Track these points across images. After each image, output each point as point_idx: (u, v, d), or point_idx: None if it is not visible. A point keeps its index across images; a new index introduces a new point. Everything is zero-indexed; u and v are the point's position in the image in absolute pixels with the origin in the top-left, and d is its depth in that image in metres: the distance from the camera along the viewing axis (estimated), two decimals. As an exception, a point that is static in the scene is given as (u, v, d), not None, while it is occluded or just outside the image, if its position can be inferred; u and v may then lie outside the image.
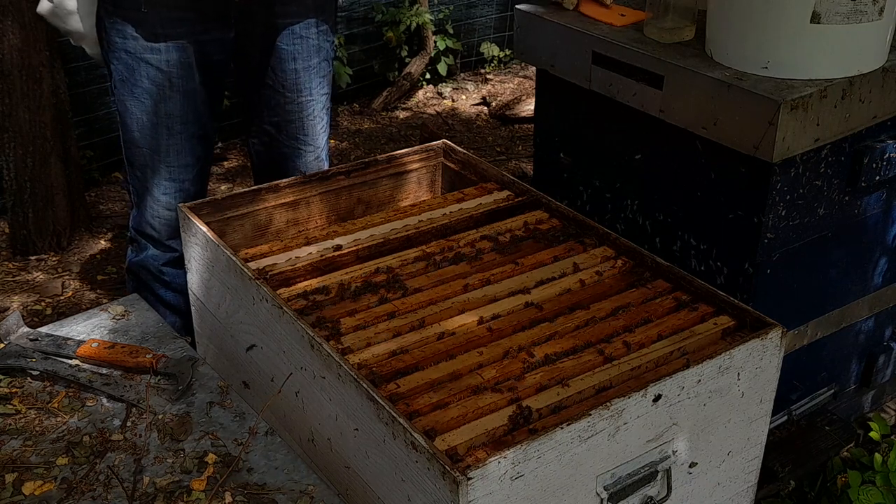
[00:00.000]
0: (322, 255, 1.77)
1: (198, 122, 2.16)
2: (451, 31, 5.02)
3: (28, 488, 1.35)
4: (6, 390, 1.54)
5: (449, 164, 2.17)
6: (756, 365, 1.49)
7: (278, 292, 1.63)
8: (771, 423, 1.74)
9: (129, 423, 1.48)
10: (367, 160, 2.09)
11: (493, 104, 4.75)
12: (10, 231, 3.39)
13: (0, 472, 1.38)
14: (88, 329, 1.71)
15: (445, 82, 5.06)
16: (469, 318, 1.59)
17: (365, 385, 1.35)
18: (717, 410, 1.47)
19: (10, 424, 1.48)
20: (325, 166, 2.41)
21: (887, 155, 1.98)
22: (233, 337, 1.77)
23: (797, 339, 2.13)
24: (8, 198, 3.32)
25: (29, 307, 3.04)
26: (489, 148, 4.37)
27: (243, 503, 1.33)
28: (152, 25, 2.02)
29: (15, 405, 1.52)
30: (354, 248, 1.78)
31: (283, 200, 2.00)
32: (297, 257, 1.77)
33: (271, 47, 2.20)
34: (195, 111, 2.15)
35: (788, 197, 1.88)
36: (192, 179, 2.22)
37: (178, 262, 2.27)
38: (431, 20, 4.83)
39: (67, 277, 3.24)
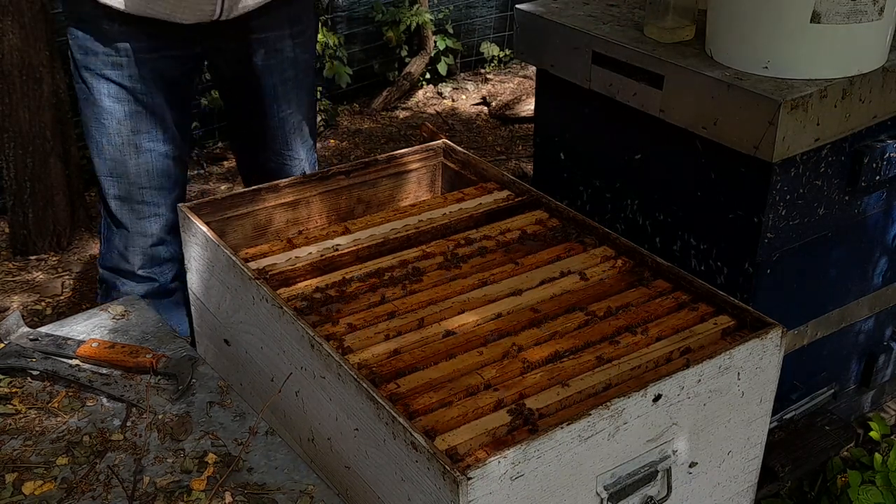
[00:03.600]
0: (322, 255, 1.77)
1: (167, 140, 2.06)
2: (451, 30, 5.02)
3: (28, 488, 1.35)
4: (6, 390, 1.54)
5: (449, 164, 2.17)
6: (756, 365, 1.48)
7: (278, 292, 1.63)
8: (770, 422, 1.73)
9: (129, 423, 1.48)
10: (367, 160, 2.09)
11: (493, 104, 4.75)
12: (10, 231, 3.39)
13: (0, 472, 1.38)
14: (88, 329, 1.71)
15: (445, 82, 5.06)
16: (469, 318, 1.59)
17: (365, 385, 1.35)
18: (717, 410, 1.47)
19: (10, 424, 1.48)
20: None
21: (887, 155, 1.98)
22: (233, 337, 1.77)
23: (797, 339, 2.13)
24: (8, 198, 3.32)
25: (29, 307, 3.04)
26: (489, 148, 4.37)
27: (243, 503, 1.33)
28: (114, 39, 1.93)
29: (15, 405, 1.52)
30: (354, 248, 1.78)
31: (283, 200, 2.00)
32: (297, 257, 1.77)
33: (246, 62, 2.11)
34: (163, 128, 2.04)
35: (788, 197, 1.88)
36: (169, 206, 2.10)
37: (158, 294, 2.16)
38: (431, 20, 4.83)
39: (67, 277, 3.24)
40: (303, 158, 2.31)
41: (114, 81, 1.96)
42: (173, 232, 2.11)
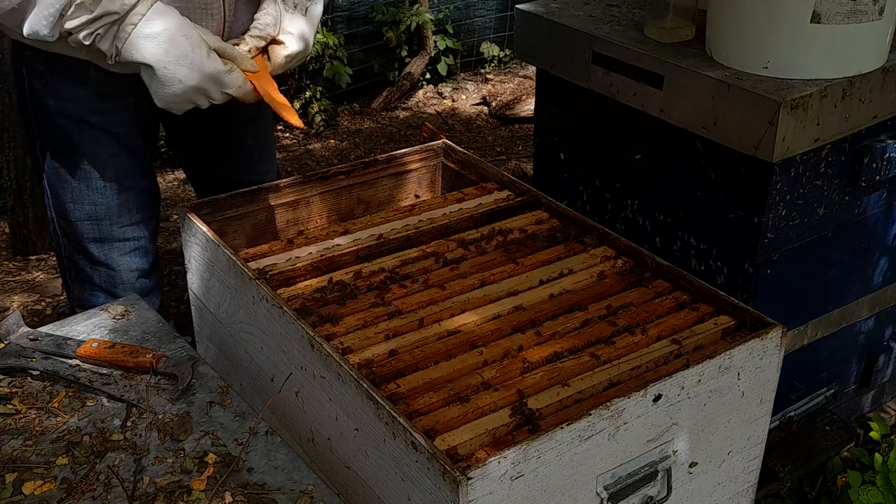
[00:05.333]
0: (322, 255, 1.77)
1: (145, 175, 2.03)
2: (451, 30, 5.03)
3: (28, 488, 1.35)
4: (6, 390, 1.54)
5: (449, 164, 2.17)
6: (756, 365, 1.49)
7: (278, 292, 1.63)
8: (770, 422, 1.74)
9: (129, 423, 1.48)
10: (367, 160, 2.09)
11: (493, 104, 4.75)
12: (10, 231, 3.39)
13: (0, 472, 1.38)
14: (88, 329, 1.71)
15: (445, 82, 5.06)
16: (469, 318, 1.59)
17: (365, 385, 1.35)
18: (717, 410, 1.47)
19: (10, 424, 1.48)
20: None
21: (887, 155, 1.98)
22: (233, 337, 1.77)
23: (797, 339, 2.13)
24: (8, 198, 3.32)
25: (29, 307, 3.04)
26: (489, 148, 4.38)
27: (243, 503, 1.33)
28: (97, 84, 1.85)
29: (15, 405, 1.52)
30: (354, 248, 1.78)
31: (283, 200, 2.00)
32: (297, 257, 1.77)
33: None
34: (141, 164, 2.00)
35: (788, 197, 1.88)
36: (149, 237, 2.06)
37: None
38: (431, 20, 4.83)
39: (67, 277, 3.24)
40: (275, 171, 2.25)
41: (97, 127, 1.90)
42: (154, 262, 2.09)
